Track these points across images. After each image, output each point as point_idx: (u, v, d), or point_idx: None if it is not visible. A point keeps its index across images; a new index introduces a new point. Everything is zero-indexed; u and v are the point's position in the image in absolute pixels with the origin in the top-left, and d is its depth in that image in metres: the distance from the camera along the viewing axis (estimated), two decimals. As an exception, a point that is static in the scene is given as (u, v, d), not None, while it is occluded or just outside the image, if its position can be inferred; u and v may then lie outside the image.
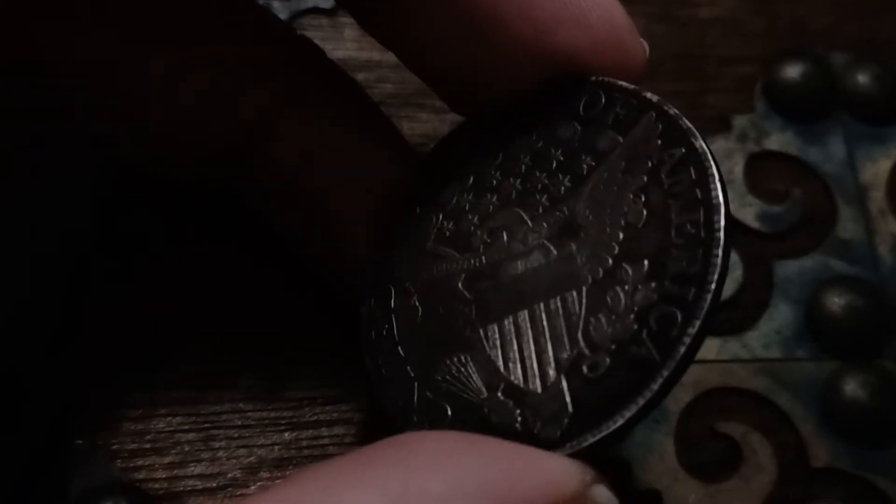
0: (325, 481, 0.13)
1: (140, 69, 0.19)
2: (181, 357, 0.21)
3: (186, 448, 0.20)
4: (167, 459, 0.20)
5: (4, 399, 0.20)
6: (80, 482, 0.20)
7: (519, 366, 0.17)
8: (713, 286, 0.15)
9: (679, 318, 0.15)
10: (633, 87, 0.18)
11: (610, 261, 0.17)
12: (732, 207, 0.23)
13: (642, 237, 0.16)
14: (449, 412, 0.17)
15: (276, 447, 0.20)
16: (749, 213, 0.24)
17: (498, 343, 0.17)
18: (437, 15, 0.18)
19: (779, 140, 0.25)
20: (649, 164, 0.17)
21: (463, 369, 0.17)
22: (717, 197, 0.16)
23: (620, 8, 0.18)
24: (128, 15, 0.19)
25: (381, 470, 0.14)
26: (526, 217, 0.18)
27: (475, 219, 0.18)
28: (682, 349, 0.15)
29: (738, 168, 0.24)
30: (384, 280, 0.19)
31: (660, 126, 0.17)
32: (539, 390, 0.16)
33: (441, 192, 0.19)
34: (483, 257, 0.18)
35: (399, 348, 0.18)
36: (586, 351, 0.16)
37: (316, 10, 0.25)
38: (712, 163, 0.16)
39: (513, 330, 0.17)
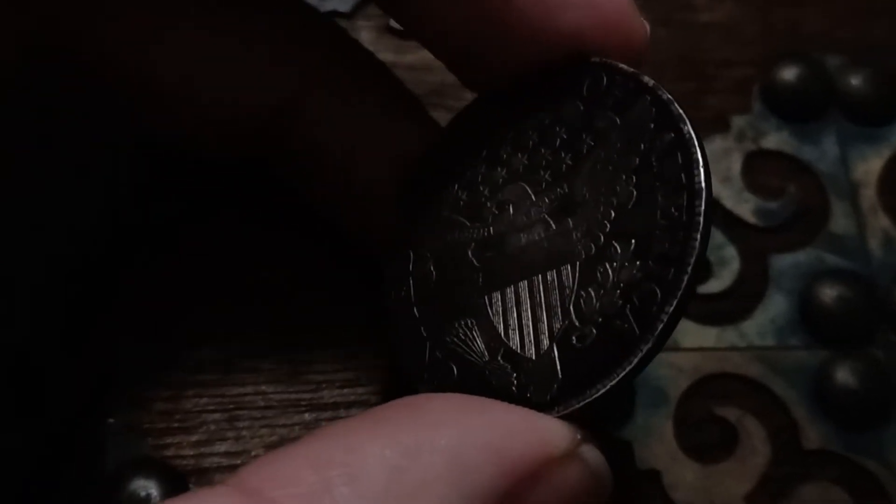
0: (345, 437, 0.15)
1: (169, 48, 0.20)
2: (208, 341, 0.22)
3: (213, 427, 0.21)
4: (194, 438, 0.21)
5: (21, 389, 0.21)
6: (113, 458, 0.21)
7: (517, 333, 0.18)
8: (690, 267, 0.16)
9: (659, 295, 0.16)
10: (632, 70, 0.19)
11: (602, 238, 0.17)
12: (730, 203, 0.25)
13: (631, 217, 0.17)
14: (455, 372, 0.18)
15: (297, 427, 0.21)
16: (746, 209, 0.25)
17: (500, 310, 0.18)
18: None
19: (775, 139, 0.26)
20: (642, 146, 0.18)
21: (469, 332, 0.18)
22: (700, 182, 0.17)
23: None
24: None
25: (394, 426, 0.15)
26: (530, 191, 0.19)
27: (486, 190, 0.19)
28: (660, 325, 0.16)
29: (736, 166, 0.25)
30: (405, 245, 0.20)
31: (653, 110, 0.18)
32: (533, 357, 0.17)
33: (457, 163, 0.20)
34: (491, 228, 0.19)
35: (415, 310, 0.19)
36: (576, 322, 0.17)
37: (335, 14, 0.26)
38: (698, 149, 0.17)
39: (513, 298, 0.18)
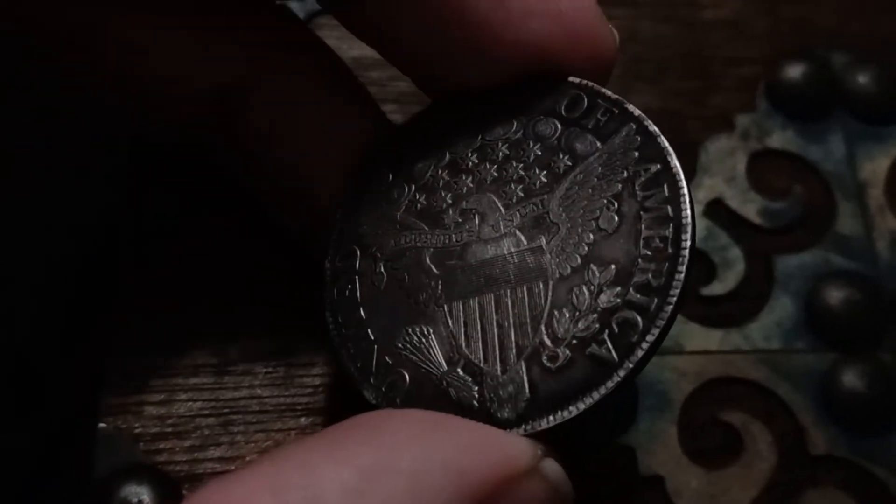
0: (303, 458, 0.14)
1: (117, 29, 0.19)
2: (201, 344, 0.22)
3: (206, 432, 0.21)
4: (188, 443, 0.21)
5: (20, 389, 0.21)
6: (104, 464, 0.20)
7: (480, 345, 0.18)
8: (674, 300, 0.17)
9: (640, 324, 0.17)
10: (616, 96, 0.19)
11: (578, 259, 0.18)
12: (735, 203, 0.24)
13: (612, 242, 0.17)
14: (407, 379, 0.18)
15: (293, 432, 0.21)
16: (751, 209, 0.24)
17: (461, 321, 0.18)
18: (406, 5, 0.18)
19: (780, 138, 0.25)
20: (625, 173, 0.18)
21: (424, 340, 0.18)
22: (687, 217, 0.17)
23: None
24: None
25: (352, 448, 0.15)
26: (499, 204, 0.19)
27: (448, 197, 0.19)
28: (640, 353, 0.16)
29: (740, 165, 0.25)
30: (349, 240, 0.19)
31: (639, 139, 0.18)
32: (498, 372, 0.17)
33: (415, 163, 0.20)
34: (453, 236, 0.19)
35: (361, 310, 0.19)
36: (547, 341, 0.17)
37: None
38: (685, 183, 0.17)
39: (477, 310, 0.18)
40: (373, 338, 0.18)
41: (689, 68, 0.26)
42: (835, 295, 0.23)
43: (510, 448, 0.15)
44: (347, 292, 0.19)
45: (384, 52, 0.20)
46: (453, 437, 0.15)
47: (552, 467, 0.16)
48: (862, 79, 0.26)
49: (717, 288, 0.23)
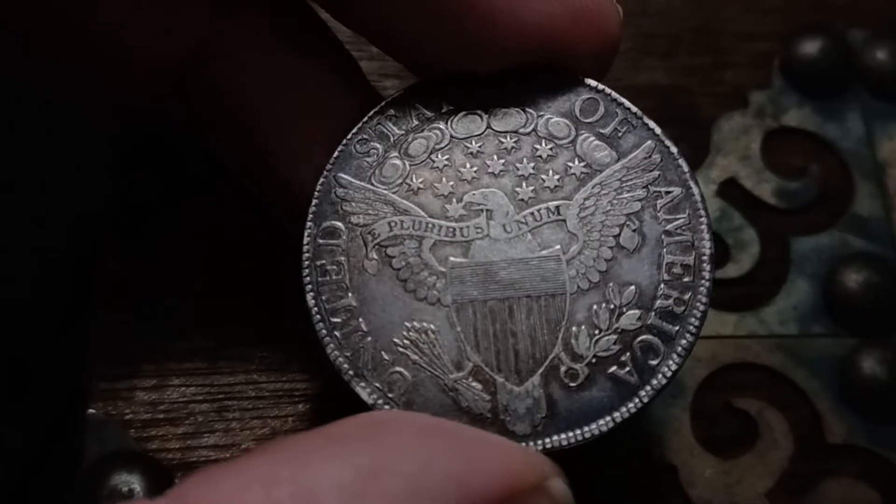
0: (297, 454, 0.14)
1: None
2: (195, 327, 0.21)
3: (200, 419, 0.20)
4: (181, 430, 0.20)
5: (11, 381, 0.20)
6: (93, 451, 0.19)
7: (493, 354, 0.17)
8: (696, 328, 0.17)
9: (662, 350, 0.17)
10: (635, 109, 0.19)
11: (597, 275, 0.17)
12: (750, 184, 0.24)
13: (633, 263, 0.18)
14: (407, 378, 0.17)
15: (290, 419, 0.20)
16: (766, 189, 0.24)
17: (471, 324, 0.17)
18: None
19: (796, 116, 0.25)
20: (645, 193, 0.18)
21: (428, 340, 0.17)
22: (710, 247, 0.18)
23: None
24: None
25: (351, 446, 0.14)
26: (509, 201, 0.18)
27: (450, 183, 0.18)
28: (662, 380, 0.17)
29: (755, 144, 0.24)
30: (332, 215, 0.18)
31: (659, 158, 0.18)
32: (514, 384, 0.17)
33: (411, 140, 0.19)
34: (457, 230, 0.18)
35: (350, 295, 0.18)
36: (566, 357, 0.17)
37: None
38: (705, 211, 0.18)
39: (489, 316, 0.17)
40: (366, 329, 0.17)
41: (700, 43, 0.25)
42: (853, 278, 0.22)
43: (517, 462, 0.15)
44: (332, 274, 0.18)
45: (372, 38, 0.19)
46: (458, 444, 0.15)
47: (559, 487, 0.15)
48: (880, 55, 0.25)
49: (731, 270, 0.23)
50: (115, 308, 0.21)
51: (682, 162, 0.18)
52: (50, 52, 0.19)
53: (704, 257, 0.17)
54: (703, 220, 0.18)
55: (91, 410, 0.20)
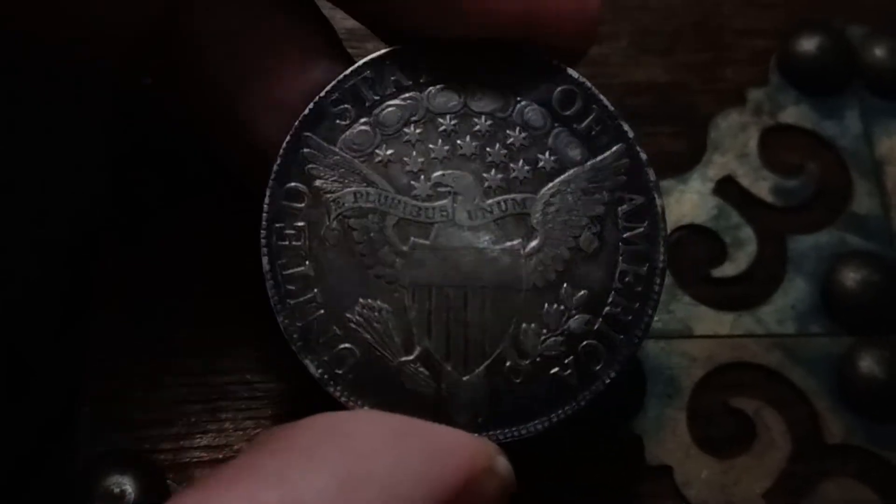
0: (275, 467, 0.14)
1: None
2: (188, 326, 0.21)
3: (193, 419, 0.20)
4: (173, 430, 0.20)
5: (11, 379, 0.20)
6: (86, 451, 0.19)
7: (444, 341, 0.17)
8: (638, 339, 0.17)
9: (605, 356, 0.17)
10: (612, 108, 0.19)
11: (553, 275, 0.18)
12: (747, 182, 0.23)
13: (588, 266, 0.18)
14: (357, 355, 0.17)
15: (284, 420, 0.20)
16: (763, 187, 0.23)
17: (425, 309, 0.17)
18: None
19: (794, 113, 0.24)
20: (608, 196, 0.18)
21: (381, 319, 0.17)
22: (664, 261, 0.18)
23: None
24: None
25: (326, 455, 0.14)
26: (478, 188, 0.18)
27: (420, 160, 0.18)
28: (601, 385, 0.17)
29: (752, 142, 0.24)
30: (297, 177, 0.18)
31: (627, 162, 0.18)
32: (460, 374, 0.17)
33: (383, 110, 0.18)
34: (422, 210, 0.18)
35: (308, 263, 0.17)
36: (513, 353, 0.17)
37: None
38: (664, 223, 0.18)
39: (443, 303, 0.17)
40: (320, 301, 0.17)
41: (699, 39, 0.25)
42: (851, 276, 0.22)
43: (473, 450, 0.16)
44: (291, 240, 0.18)
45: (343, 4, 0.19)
46: (423, 443, 0.15)
47: (503, 463, 0.16)
48: (879, 52, 0.25)
49: (728, 269, 0.22)
50: (115, 308, 0.21)
51: (649, 170, 0.18)
52: (21, 24, 0.19)
53: (657, 269, 0.18)
54: (662, 232, 0.18)
55: (84, 409, 0.20)
